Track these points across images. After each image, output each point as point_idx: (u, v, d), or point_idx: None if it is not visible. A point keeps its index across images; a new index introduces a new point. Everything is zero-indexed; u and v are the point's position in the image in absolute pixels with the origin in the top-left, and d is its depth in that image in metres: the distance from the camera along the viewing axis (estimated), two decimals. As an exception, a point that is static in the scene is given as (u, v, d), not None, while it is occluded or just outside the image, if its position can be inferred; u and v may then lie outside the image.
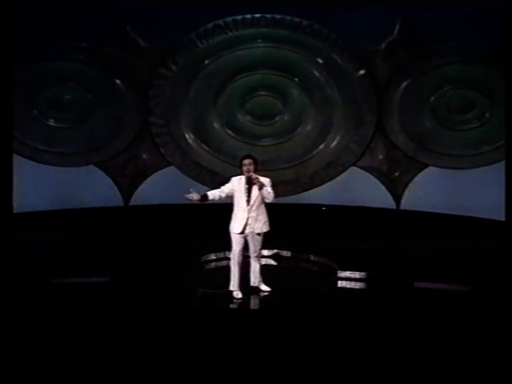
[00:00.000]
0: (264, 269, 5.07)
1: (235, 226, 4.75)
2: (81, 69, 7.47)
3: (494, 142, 7.01)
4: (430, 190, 7.33)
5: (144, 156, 7.84)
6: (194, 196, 4.70)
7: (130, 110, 7.65)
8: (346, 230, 6.97)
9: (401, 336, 4.00)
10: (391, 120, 7.53)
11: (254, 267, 4.94)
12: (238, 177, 4.77)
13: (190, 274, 5.45)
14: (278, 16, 7.40)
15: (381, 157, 7.68)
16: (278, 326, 4.18)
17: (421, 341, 3.91)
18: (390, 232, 7.06)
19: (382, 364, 3.63)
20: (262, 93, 7.66)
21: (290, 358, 3.72)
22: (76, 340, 3.86)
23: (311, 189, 7.79)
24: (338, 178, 7.74)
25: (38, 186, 7.26)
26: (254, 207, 4.70)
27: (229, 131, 7.78)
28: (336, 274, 5.44)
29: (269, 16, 7.41)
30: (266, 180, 4.71)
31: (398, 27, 7.26)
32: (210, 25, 7.46)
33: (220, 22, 7.43)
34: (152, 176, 7.84)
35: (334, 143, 7.74)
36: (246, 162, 4.68)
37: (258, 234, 4.78)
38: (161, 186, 7.74)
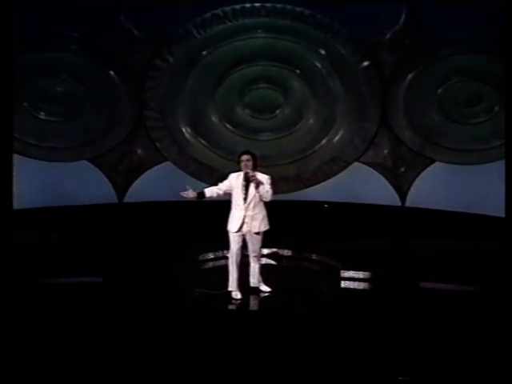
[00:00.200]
0: (264, 268, 5.07)
1: (232, 225, 4.73)
2: (73, 60, 7.43)
3: (504, 136, 6.98)
4: (437, 187, 7.32)
5: (139, 151, 7.82)
6: (190, 194, 4.69)
7: (124, 103, 7.62)
8: (350, 228, 6.97)
9: (406, 338, 3.98)
10: (396, 113, 7.51)
11: (253, 268, 4.92)
12: (237, 173, 4.74)
13: (187, 274, 5.44)
14: (278, 5, 7.36)
15: (385, 152, 7.65)
16: (278, 328, 4.17)
17: (426, 343, 3.89)
18: (395, 230, 7.06)
19: (387, 367, 3.62)
20: (262, 85, 7.63)
21: (290, 362, 3.71)
22: (67, 343, 3.83)
23: (313, 185, 7.78)
24: (341, 174, 7.72)
25: (28, 182, 7.22)
26: (252, 205, 4.67)
27: (227, 125, 7.75)
28: (339, 273, 5.44)
29: (269, 5, 7.38)
30: (264, 177, 4.67)
31: (403, 16, 7.22)
32: (208, 14, 7.42)
33: (218, 11, 7.40)
34: (147, 172, 7.82)
35: (337, 138, 7.72)
36: (244, 157, 4.65)
37: (257, 234, 4.75)
38: (156, 183, 7.73)
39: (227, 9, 7.38)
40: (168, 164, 7.82)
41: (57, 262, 5.61)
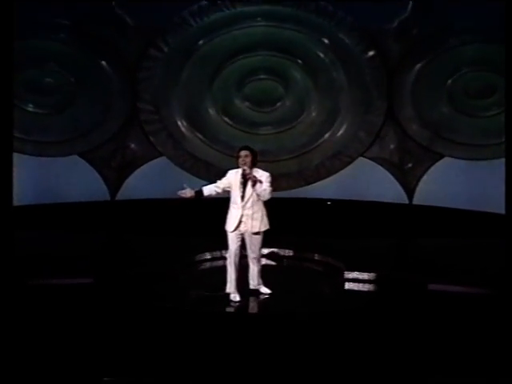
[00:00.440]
0: (264, 269, 5.07)
1: (229, 224, 4.73)
2: (62, 49, 7.42)
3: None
4: (446, 183, 7.31)
5: (132, 145, 7.82)
6: (188, 193, 4.68)
7: (116, 95, 7.61)
8: (354, 227, 6.98)
9: (412, 343, 3.98)
10: (403, 106, 7.50)
11: (253, 270, 4.93)
12: (235, 170, 4.73)
13: (183, 275, 5.44)
14: (279, -9, 7.36)
15: (392, 146, 7.65)
16: (278, 332, 4.17)
17: (433, 348, 3.90)
18: (402, 229, 7.06)
19: (392, 372, 3.62)
20: (262, 76, 7.64)
21: (291, 367, 3.71)
22: (59, 348, 3.84)
23: (315, 182, 7.79)
24: (345, 170, 7.73)
25: (15, 178, 7.20)
26: (249, 204, 4.67)
27: (225, 118, 7.75)
28: (342, 274, 5.44)
29: (269, -9, 7.38)
30: (264, 175, 4.65)
31: (411, 4, 7.21)
32: (205, 1, 7.41)
33: (216, -3, 7.40)
34: (141, 167, 7.82)
35: (341, 132, 7.72)
36: (242, 153, 4.64)
37: (256, 234, 4.75)
38: (151, 179, 7.73)
39: (225, -5, 7.39)
40: (163, 159, 7.81)
41: (46, 262, 5.61)
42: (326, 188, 7.73)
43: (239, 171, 4.69)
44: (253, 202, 4.67)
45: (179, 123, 7.79)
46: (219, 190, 4.76)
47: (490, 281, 5.08)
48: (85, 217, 7.26)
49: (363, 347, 3.93)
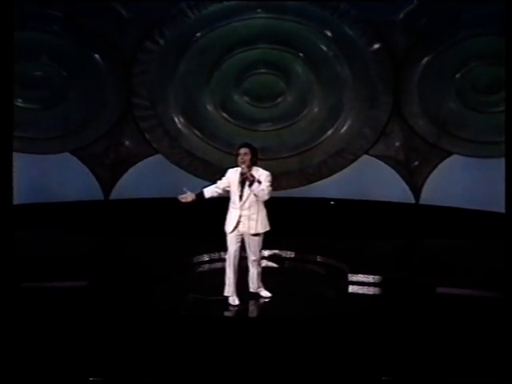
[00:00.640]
0: (264, 272, 5.07)
1: (228, 225, 4.73)
2: (54, 41, 7.41)
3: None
4: (454, 182, 7.31)
5: (127, 143, 7.81)
6: (189, 197, 4.68)
7: (110, 90, 7.61)
8: (358, 228, 6.99)
9: (419, 348, 3.98)
10: (410, 101, 7.50)
11: (252, 273, 4.93)
12: (235, 169, 4.73)
13: (180, 278, 5.44)
14: (280, -18, 7.37)
15: (397, 144, 7.65)
16: (279, 337, 4.16)
17: (442, 353, 3.90)
18: (408, 229, 7.07)
19: (398, 379, 3.62)
20: (262, 70, 7.64)
21: (292, 373, 3.71)
22: (51, 353, 3.84)
23: (317, 181, 7.79)
24: (349, 168, 7.73)
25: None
26: (247, 204, 4.66)
27: (224, 114, 7.75)
28: (346, 277, 5.44)
29: (270, -18, 7.38)
30: (263, 174, 4.64)
31: (418, -6, 7.23)
32: (203, -8, 7.42)
33: (214, -12, 7.40)
34: (136, 166, 7.82)
35: (344, 128, 7.72)
36: (241, 151, 4.63)
37: (255, 235, 4.74)
38: (146, 177, 7.73)
39: (224, -14, 7.39)
40: (158, 157, 7.81)
41: (38, 264, 5.60)
42: (328, 187, 7.73)
43: (238, 170, 4.68)
44: (251, 202, 4.66)
45: (176, 119, 7.78)
46: (220, 191, 4.76)
47: (500, 283, 5.08)
48: (77, 217, 7.26)
49: (367, 353, 3.93)
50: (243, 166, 4.59)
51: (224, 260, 4.96)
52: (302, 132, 7.75)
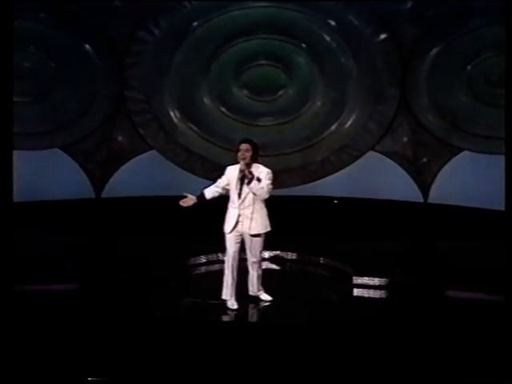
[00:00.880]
0: (265, 274, 5.06)
1: (226, 225, 4.73)
2: (42, 31, 7.41)
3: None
4: (465, 180, 7.32)
5: (119, 138, 7.82)
6: (190, 200, 4.70)
7: (102, 82, 7.61)
8: (363, 228, 6.99)
9: (427, 354, 3.98)
10: (418, 94, 7.51)
11: (252, 276, 4.92)
12: (234, 166, 4.73)
13: (176, 280, 5.44)
14: (281, -31, 7.36)
15: (405, 139, 7.66)
16: (280, 343, 4.16)
17: (451, 359, 3.90)
18: (416, 230, 7.07)
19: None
20: (262, 62, 7.65)
21: (294, 381, 3.70)
22: (39, 359, 3.83)
23: (321, 178, 7.80)
24: (353, 165, 7.74)
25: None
26: (247, 203, 4.66)
27: (222, 108, 7.75)
28: (351, 280, 5.44)
29: (270, -31, 7.38)
30: (263, 171, 4.63)
31: (427, -19, 7.24)
32: (200, -21, 7.42)
33: (212, -25, 7.40)
34: (129, 162, 7.82)
35: (349, 123, 7.73)
36: (242, 147, 4.62)
37: (255, 236, 4.74)
38: (140, 175, 7.74)
39: (222, -27, 7.39)
40: (153, 153, 7.82)
41: (26, 266, 5.59)
42: (332, 185, 7.74)
43: (237, 167, 4.68)
44: (250, 200, 4.66)
45: (171, 113, 7.79)
46: (220, 190, 4.76)
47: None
48: (67, 216, 7.25)
49: (373, 360, 3.93)
50: (243, 162, 4.59)
51: (222, 262, 4.96)
52: (304, 127, 7.75)
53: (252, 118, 7.74)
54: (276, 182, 4.83)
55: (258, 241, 4.78)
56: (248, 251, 4.83)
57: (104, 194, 7.82)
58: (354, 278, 5.43)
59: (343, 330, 4.43)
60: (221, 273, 4.88)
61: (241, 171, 4.61)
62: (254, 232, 4.72)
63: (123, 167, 7.82)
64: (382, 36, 7.45)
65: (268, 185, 4.61)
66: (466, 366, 3.84)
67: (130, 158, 7.82)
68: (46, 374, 3.71)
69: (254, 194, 4.61)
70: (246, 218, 4.67)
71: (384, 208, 7.46)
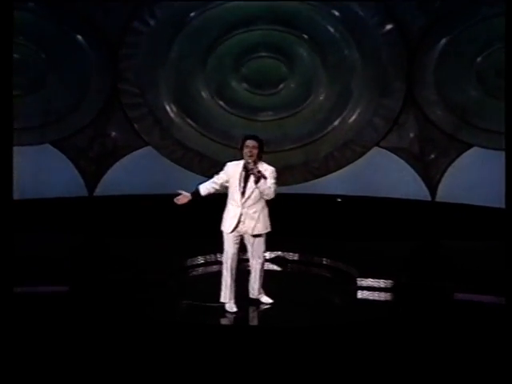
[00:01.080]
0: (265, 276, 5.06)
1: (226, 224, 4.72)
2: (32, 20, 7.39)
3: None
4: (474, 177, 7.32)
5: (113, 133, 7.81)
6: (184, 198, 4.69)
7: (94, 75, 7.60)
8: (368, 227, 6.99)
9: (435, 361, 3.98)
10: (425, 88, 7.51)
11: (254, 278, 4.91)
12: (235, 162, 4.71)
13: (172, 282, 5.44)
14: (282, -44, 7.35)
15: (412, 135, 7.66)
16: (281, 348, 4.16)
17: (460, 365, 3.89)
18: (424, 229, 7.07)
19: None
20: (263, 53, 7.64)
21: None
22: (28, 366, 3.83)
23: (324, 175, 7.80)
24: (358, 162, 7.74)
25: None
26: (251, 202, 4.65)
27: (220, 102, 7.75)
28: (355, 282, 5.44)
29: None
30: (268, 170, 4.62)
31: (435, -31, 7.22)
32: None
33: (209, -36, 7.39)
34: (123, 159, 7.82)
35: (353, 118, 7.73)
36: (250, 143, 4.60)
37: (257, 236, 4.74)
38: (134, 172, 7.74)
39: (220, -40, 7.38)
40: (148, 149, 7.82)
41: (15, 266, 5.58)
42: (335, 183, 7.74)
43: (240, 164, 4.66)
44: (255, 199, 4.65)
45: (167, 108, 7.78)
46: (217, 187, 4.73)
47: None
48: (58, 215, 7.26)
49: (377, 367, 3.93)
50: (250, 160, 4.56)
51: (220, 263, 4.96)
52: (306, 122, 7.75)
53: (251, 113, 7.73)
54: (275, 186, 4.80)
55: (261, 241, 4.78)
56: (250, 252, 4.83)
57: (97, 192, 7.81)
58: (358, 279, 5.43)
59: (346, 334, 4.43)
60: (219, 274, 4.88)
61: (249, 169, 4.57)
62: (256, 232, 4.72)
63: (117, 164, 7.81)
64: (388, 27, 7.44)
65: (273, 184, 4.61)
66: (475, 372, 3.84)
67: (124, 155, 7.81)
68: (37, 379, 3.71)
69: (262, 192, 4.60)
70: (248, 217, 4.67)
71: (389, 207, 7.46)
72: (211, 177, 4.83)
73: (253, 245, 4.78)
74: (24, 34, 7.40)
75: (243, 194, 4.65)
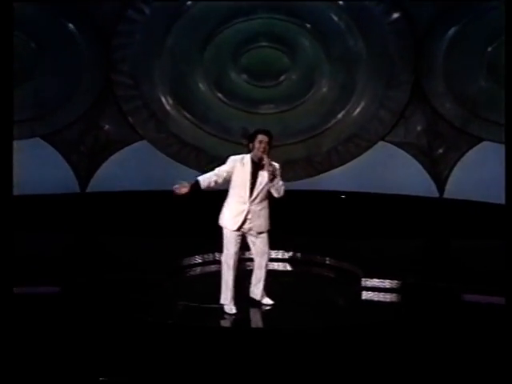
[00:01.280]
0: (267, 276, 5.07)
1: (230, 221, 4.71)
2: (21, 9, 7.36)
3: None
4: (484, 173, 7.33)
5: (106, 127, 7.82)
6: (183, 188, 4.61)
7: (86, 66, 7.61)
8: (373, 225, 7.00)
9: (443, 363, 4.00)
10: (434, 79, 7.52)
11: (257, 278, 4.91)
12: (240, 156, 4.71)
13: (169, 283, 5.44)
14: None
15: (419, 128, 7.67)
16: (283, 351, 4.17)
17: (467, 367, 3.91)
18: (431, 227, 7.09)
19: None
20: (263, 43, 7.65)
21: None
22: (26, 367, 3.85)
23: (327, 171, 7.81)
24: (362, 157, 7.75)
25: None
26: (258, 199, 4.67)
27: (219, 94, 7.76)
28: (360, 282, 5.45)
29: None
30: (275, 166, 4.67)
31: (443, -45, 7.22)
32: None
33: None
34: (117, 153, 7.83)
35: (357, 110, 7.74)
36: (263, 138, 4.60)
37: (262, 233, 4.76)
38: (129, 167, 7.75)
39: None
40: (143, 143, 7.82)
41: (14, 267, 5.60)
42: (339, 178, 7.75)
43: (246, 158, 4.66)
44: (262, 197, 4.67)
45: (163, 100, 7.79)
46: (220, 180, 4.68)
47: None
48: (50, 212, 7.26)
49: (383, 370, 3.95)
50: (264, 156, 4.56)
51: (219, 262, 4.96)
52: (309, 115, 7.76)
53: (251, 106, 7.74)
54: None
55: (265, 238, 4.79)
56: (254, 251, 4.83)
57: (90, 189, 7.82)
58: (363, 279, 5.45)
59: (351, 336, 4.44)
60: (217, 274, 4.89)
61: (264, 166, 4.54)
62: (261, 229, 4.73)
63: (111, 159, 7.82)
64: (395, 15, 7.45)
65: (280, 180, 4.65)
66: (484, 376, 3.86)
67: (118, 149, 7.82)
68: (37, 379, 3.72)
69: (274, 192, 4.62)
70: (255, 215, 4.67)
71: (396, 203, 7.48)
72: (212, 170, 4.81)
73: (259, 243, 4.78)
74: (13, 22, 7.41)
75: (252, 190, 4.65)
